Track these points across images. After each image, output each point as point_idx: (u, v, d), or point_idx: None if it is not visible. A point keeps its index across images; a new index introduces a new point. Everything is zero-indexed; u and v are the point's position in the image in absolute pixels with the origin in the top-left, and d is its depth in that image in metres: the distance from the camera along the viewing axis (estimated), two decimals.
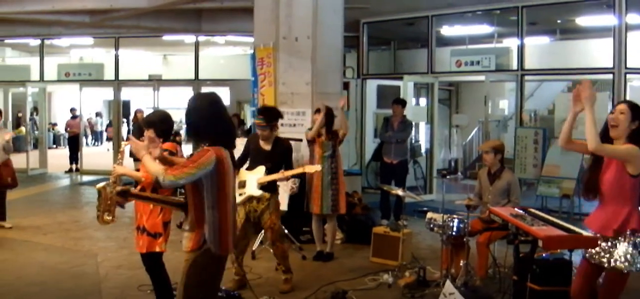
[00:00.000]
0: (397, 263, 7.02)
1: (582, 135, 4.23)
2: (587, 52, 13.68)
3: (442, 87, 17.40)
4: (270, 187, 6.35)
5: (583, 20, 13.86)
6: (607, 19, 11.49)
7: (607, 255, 4.20)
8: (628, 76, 10.96)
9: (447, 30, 14.90)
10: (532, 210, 5.41)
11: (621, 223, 4.16)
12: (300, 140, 8.53)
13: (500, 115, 16.68)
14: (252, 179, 6.28)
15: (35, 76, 17.75)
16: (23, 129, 21.70)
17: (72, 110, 18.76)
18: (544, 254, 5.29)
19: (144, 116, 14.12)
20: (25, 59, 21.60)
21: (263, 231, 7.90)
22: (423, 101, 16.39)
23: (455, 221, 6.26)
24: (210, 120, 3.85)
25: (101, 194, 4.90)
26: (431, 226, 6.53)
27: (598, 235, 4.25)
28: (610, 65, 10.94)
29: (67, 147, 19.27)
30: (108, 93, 21.03)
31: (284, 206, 8.50)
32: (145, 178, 4.92)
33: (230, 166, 3.88)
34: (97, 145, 28.94)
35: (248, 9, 10.77)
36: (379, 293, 6.44)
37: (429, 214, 6.64)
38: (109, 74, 17.31)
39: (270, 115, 6.51)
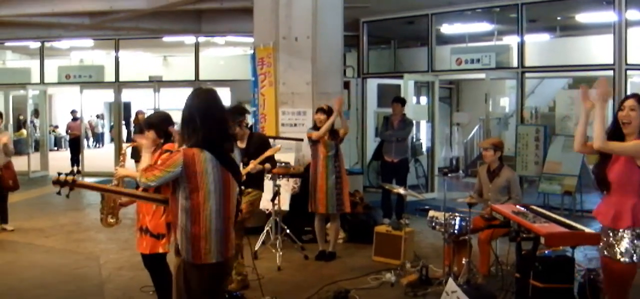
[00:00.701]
0: (400, 262, 7.02)
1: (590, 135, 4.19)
2: (588, 48, 13.66)
3: (443, 86, 17.38)
4: (254, 183, 6.42)
5: (583, 17, 13.84)
6: (607, 16, 11.49)
7: (614, 249, 4.17)
8: (628, 72, 10.95)
9: (447, 29, 14.89)
10: (534, 207, 5.41)
11: (633, 217, 4.11)
12: (301, 140, 8.53)
13: (501, 113, 16.66)
14: None
15: (35, 78, 17.74)
16: (24, 131, 21.73)
17: (73, 112, 18.76)
18: (546, 251, 5.29)
19: (144, 117, 14.23)
20: (25, 62, 21.59)
21: (264, 231, 7.93)
22: (424, 100, 16.39)
23: (457, 219, 6.26)
24: (202, 118, 3.67)
25: (104, 197, 4.91)
26: (433, 224, 6.53)
27: (609, 229, 4.20)
28: (611, 61, 10.93)
29: (69, 149, 19.27)
30: (109, 95, 21.03)
31: (285, 205, 8.51)
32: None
33: (210, 167, 3.63)
34: (98, 147, 28.94)
35: (248, 9, 10.77)
36: (382, 292, 6.44)
37: (431, 213, 6.64)
38: (110, 76, 17.30)
39: (234, 113, 6.46)
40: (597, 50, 12.77)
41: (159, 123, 5.18)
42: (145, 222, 5.09)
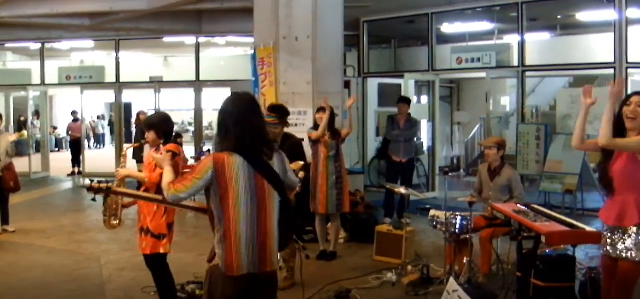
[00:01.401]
0: (401, 261, 7.01)
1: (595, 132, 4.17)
2: (588, 47, 13.66)
3: (443, 85, 17.38)
4: None
5: (583, 16, 13.84)
6: (607, 14, 11.47)
7: (619, 247, 4.16)
8: (629, 70, 10.94)
9: (448, 28, 14.89)
10: (535, 206, 5.41)
11: (639, 213, 4.10)
12: (302, 140, 8.52)
13: (502, 111, 16.66)
14: None
15: (36, 79, 17.75)
16: (25, 133, 21.73)
17: (74, 113, 18.78)
18: (547, 250, 5.29)
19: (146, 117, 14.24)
20: (26, 63, 21.61)
21: None
22: (424, 99, 16.38)
23: (458, 218, 6.26)
24: (235, 123, 3.50)
25: (107, 200, 4.93)
26: (434, 223, 6.53)
27: (614, 227, 4.19)
28: (611, 60, 10.92)
29: (69, 150, 19.28)
30: (109, 96, 21.04)
31: None
32: (149, 179, 4.93)
33: (242, 173, 3.43)
34: (99, 148, 28.94)
35: (248, 9, 10.77)
36: (383, 292, 6.44)
37: (432, 212, 6.63)
38: (110, 77, 17.31)
39: (281, 112, 6.66)
40: (597, 48, 12.76)
41: (159, 124, 5.20)
42: (146, 223, 5.10)
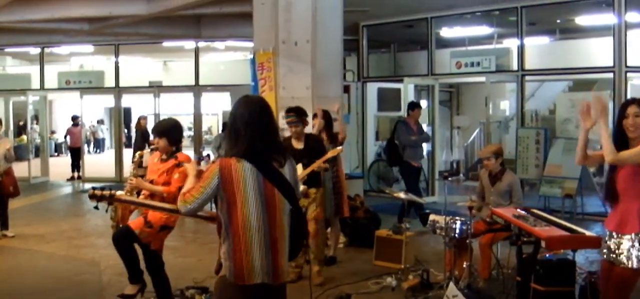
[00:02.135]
0: (400, 266, 7.00)
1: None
2: (588, 51, 13.66)
3: (443, 89, 17.38)
4: (315, 182, 6.66)
5: (583, 20, 13.85)
6: (606, 18, 11.48)
7: (616, 253, 4.16)
8: (628, 74, 10.93)
9: (447, 32, 14.90)
10: (535, 210, 5.41)
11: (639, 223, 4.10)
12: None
13: (502, 116, 16.68)
14: None
15: (35, 84, 17.77)
16: (24, 137, 21.72)
17: (74, 118, 18.79)
18: (547, 255, 5.28)
19: (147, 122, 14.26)
20: (25, 68, 21.62)
21: None
22: (424, 103, 16.37)
23: (458, 222, 6.24)
24: (245, 127, 3.37)
25: (116, 207, 4.95)
26: (434, 228, 6.52)
27: (614, 233, 4.19)
28: (611, 64, 10.91)
29: (69, 155, 19.27)
30: (109, 100, 21.04)
31: None
32: (167, 192, 4.94)
33: (250, 179, 3.31)
34: (98, 152, 28.94)
35: (247, 14, 10.78)
36: (383, 296, 6.43)
37: (432, 217, 6.62)
38: (110, 81, 17.33)
39: (299, 111, 6.80)
40: (597, 52, 12.75)
41: (171, 130, 5.26)
42: (147, 214, 5.15)
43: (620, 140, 4.18)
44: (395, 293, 6.47)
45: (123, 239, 5.20)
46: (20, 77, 19.27)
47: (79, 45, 18.13)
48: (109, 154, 23.86)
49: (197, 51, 16.56)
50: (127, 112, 23.36)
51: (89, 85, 17.46)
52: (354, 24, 14.04)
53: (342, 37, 9.77)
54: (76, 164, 17.51)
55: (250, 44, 11.48)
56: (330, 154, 6.78)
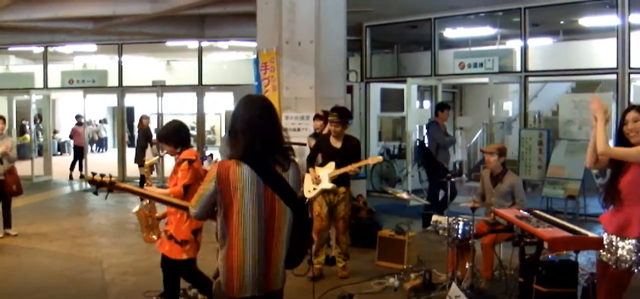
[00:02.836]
0: (403, 266, 7.01)
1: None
2: (591, 52, 13.65)
3: (446, 90, 17.39)
4: (344, 182, 6.83)
5: (586, 21, 13.83)
6: (610, 19, 11.47)
7: (614, 255, 4.19)
8: (632, 75, 10.94)
9: (450, 33, 14.90)
10: (537, 211, 5.40)
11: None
12: (304, 144, 8.53)
13: (505, 117, 16.67)
14: (324, 174, 6.74)
15: (39, 83, 17.81)
16: (27, 136, 21.75)
17: (78, 117, 18.80)
18: (549, 256, 5.28)
19: (149, 122, 14.26)
20: (29, 67, 21.62)
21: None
22: (427, 104, 16.38)
23: (461, 223, 6.25)
24: (245, 128, 3.23)
25: (140, 216, 5.02)
26: (436, 228, 6.52)
27: (613, 236, 4.21)
28: (614, 65, 10.91)
29: (72, 154, 19.28)
30: (112, 100, 21.06)
31: None
32: (174, 193, 4.96)
33: (249, 183, 3.16)
34: (101, 152, 28.95)
35: (251, 14, 10.78)
36: (385, 297, 6.43)
37: (435, 217, 6.63)
38: (113, 81, 17.36)
39: (343, 113, 6.97)
40: (600, 54, 12.74)
41: (170, 136, 5.34)
42: (170, 229, 5.17)
43: (623, 144, 4.24)
44: (397, 293, 6.47)
45: (166, 270, 5.29)
46: (23, 76, 19.31)
47: (82, 44, 18.15)
48: (112, 153, 23.89)
49: (200, 51, 16.57)
50: (130, 111, 23.32)
51: (92, 84, 17.49)
52: (358, 24, 14.04)
53: (345, 37, 9.77)
54: (79, 164, 17.51)
55: (253, 44, 11.48)
56: (370, 160, 7.17)
